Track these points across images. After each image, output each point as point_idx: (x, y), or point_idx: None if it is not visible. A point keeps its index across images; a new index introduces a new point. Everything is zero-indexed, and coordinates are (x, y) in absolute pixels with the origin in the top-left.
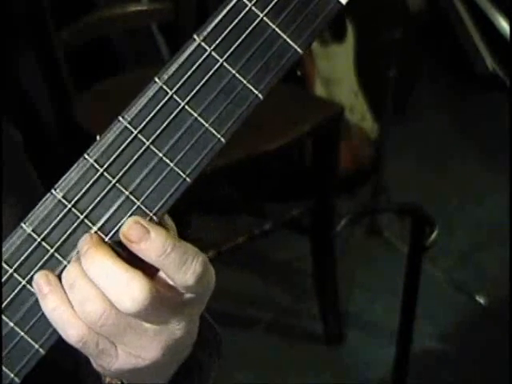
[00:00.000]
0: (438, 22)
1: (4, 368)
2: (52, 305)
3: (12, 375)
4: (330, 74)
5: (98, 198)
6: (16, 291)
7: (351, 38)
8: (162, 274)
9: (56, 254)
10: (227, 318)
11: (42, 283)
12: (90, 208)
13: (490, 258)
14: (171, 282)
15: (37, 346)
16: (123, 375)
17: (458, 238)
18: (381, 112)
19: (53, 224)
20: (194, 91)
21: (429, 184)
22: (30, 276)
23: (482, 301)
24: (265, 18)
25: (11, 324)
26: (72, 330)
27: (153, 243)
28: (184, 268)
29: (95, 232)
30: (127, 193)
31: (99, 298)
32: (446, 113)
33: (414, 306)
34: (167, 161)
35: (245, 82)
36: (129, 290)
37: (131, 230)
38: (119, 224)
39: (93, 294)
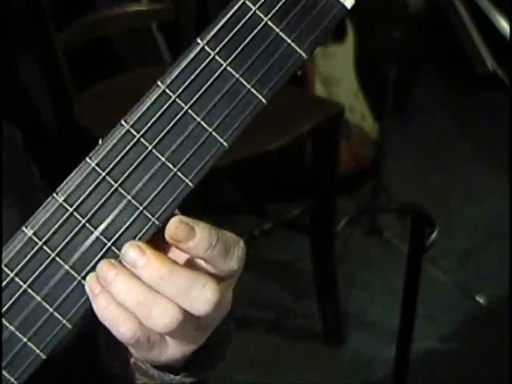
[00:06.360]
0: (437, 22)
1: (5, 372)
2: (104, 303)
3: (12, 379)
4: (330, 73)
5: (100, 202)
6: (17, 295)
7: (351, 37)
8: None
9: (57, 258)
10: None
11: (92, 284)
12: (91, 212)
13: (490, 258)
14: (214, 271)
15: (38, 351)
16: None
17: (458, 238)
18: (381, 112)
19: (54, 228)
20: (197, 95)
21: (429, 184)
22: (31, 280)
23: (481, 301)
24: (269, 22)
25: (12, 328)
26: (125, 327)
27: (199, 239)
28: (229, 256)
29: (97, 237)
30: (129, 197)
31: (170, 305)
32: (446, 113)
33: (414, 306)
34: (170, 165)
35: (249, 86)
36: (203, 294)
37: (178, 230)
38: (122, 228)
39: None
